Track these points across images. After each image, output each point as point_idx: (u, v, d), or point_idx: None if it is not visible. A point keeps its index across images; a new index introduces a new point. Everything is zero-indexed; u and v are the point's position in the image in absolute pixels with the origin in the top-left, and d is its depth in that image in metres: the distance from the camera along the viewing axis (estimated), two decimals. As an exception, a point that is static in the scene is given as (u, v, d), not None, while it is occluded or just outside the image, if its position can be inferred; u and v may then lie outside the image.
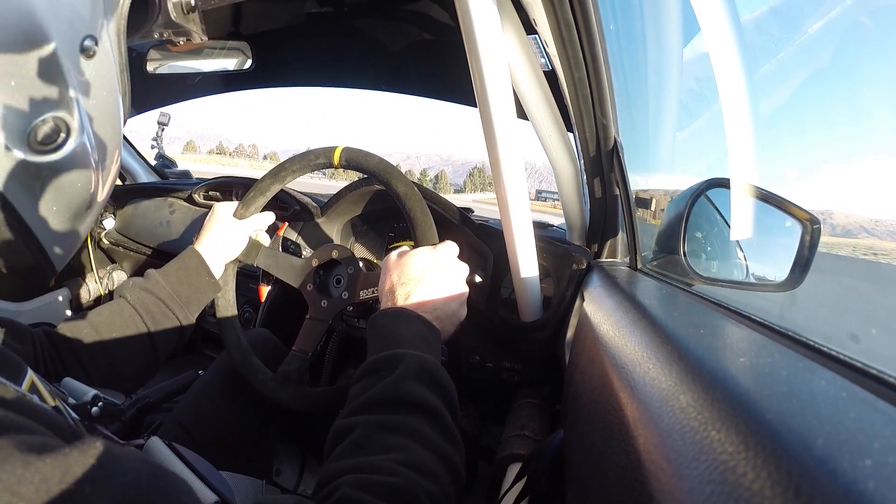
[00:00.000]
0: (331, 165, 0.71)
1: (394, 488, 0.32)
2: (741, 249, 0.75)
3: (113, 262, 1.44)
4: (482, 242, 0.88)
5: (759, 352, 0.26)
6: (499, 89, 0.54)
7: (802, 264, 0.62)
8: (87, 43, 0.31)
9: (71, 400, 0.41)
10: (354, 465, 0.35)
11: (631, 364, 0.29)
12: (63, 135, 0.30)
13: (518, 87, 0.67)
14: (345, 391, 0.50)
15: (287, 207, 1.10)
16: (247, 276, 1.06)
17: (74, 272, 1.37)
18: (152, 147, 1.69)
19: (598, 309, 0.49)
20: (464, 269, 0.61)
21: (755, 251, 0.73)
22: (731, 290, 0.65)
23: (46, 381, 0.36)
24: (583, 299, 0.66)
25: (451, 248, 0.61)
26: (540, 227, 1.04)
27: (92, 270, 1.37)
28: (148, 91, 1.50)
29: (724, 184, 0.67)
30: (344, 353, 1.14)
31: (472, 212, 1.03)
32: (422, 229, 0.63)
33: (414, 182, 0.71)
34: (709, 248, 0.71)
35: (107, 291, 1.38)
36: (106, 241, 1.37)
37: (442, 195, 0.92)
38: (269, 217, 0.78)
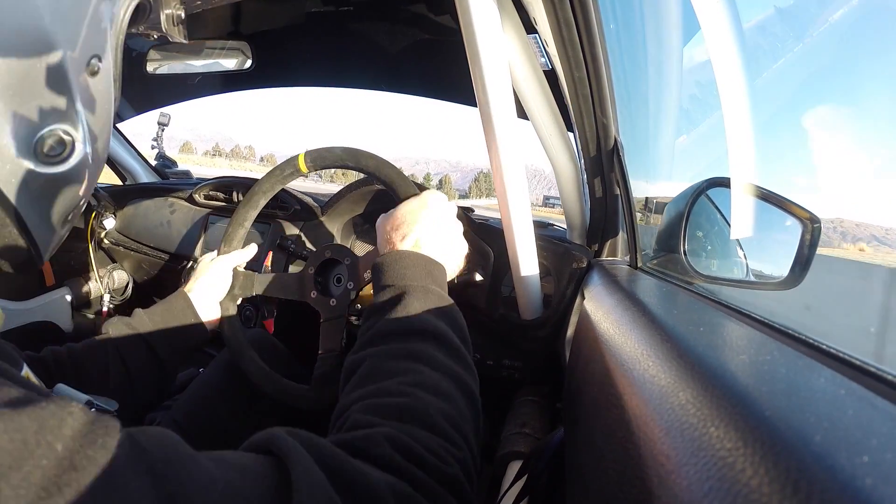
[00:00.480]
0: (299, 173, 0.71)
1: (402, 407, 0.32)
2: (741, 248, 0.75)
3: (113, 261, 1.44)
4: (482, 241, 0.88)
5: (759, 349, 0.26)
6: (499, 88, 0.54)
7: (802, 263, 0.62)
8: (94, 62, 0.33)
9: None
10: (364, 393, 0.35)
11: (631, 361, 0.29)
12: (68, 147, 0.31)
13: (518, 87, 0.67)
14: None
15: (287, 207, 1.10)
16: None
17: (75, 272, 1.38)
18: (152, 147, 1.69)
19: (598, 307, 0.49)
20: (452, 207, 0.60)
21: (755, 250, 0.73)
22: (731, 288, 0.65)
23: (41, 381, 0.37)
24: (583, 297, 0.66)
25: (435, 192, 0.61)
26: (540, 225, 1.04)
27: (92, 270, 1.37)
28: (148, 91, 1.51)
29: (724, 183, 0.67)
30: None
31: (473, 210, 1.03)
32: (402, 187, 0.63)
33: (418, 184, 0.71)
34: (709, 247, 0.71)
35: (107, 291, 1.38)
36: (107, 241, 1.37)
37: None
38: (252, 250, 0.76)
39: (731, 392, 0.20)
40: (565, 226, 0.94)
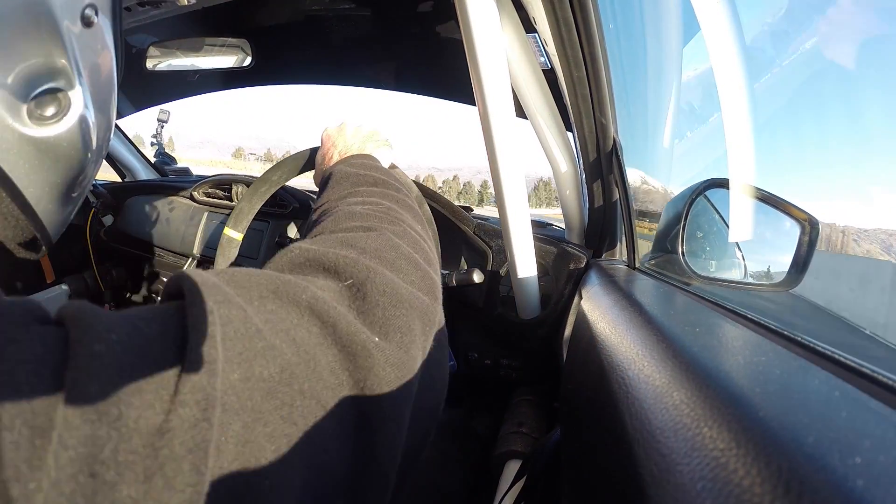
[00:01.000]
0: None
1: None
2: (739, 249, 0.75)
3: (113, 258, 1.44)
4: (481, 240, 0.88)
5: (754, 350, 0.26)
6: (497, 87, 0.54)
7: (800, 264, 0.62)
8: (88, 12, 0.30)
9: None
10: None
11: (626, 361, 0.29)
12: (63, 107, 0.29)
13: (517, 86, 0.67)
14: None
15: (286, 206, 1.10)
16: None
17: (75, 268, 1.37)
18: (151, 144, 1.69)
19: (595, 307, 0.49)
20: (352, 116, 0.58)
21: (753, 251, 0.73)
22: (728, 289, 0.65)
23: None
24: (581, 297, 0.66)
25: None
26: (539, 225, 1.05)
27: (92, 267, 1.37)
28: (147, 88, 1.50)
29: (723, 184, 0.67)
30: None
31: (472, 210, 1.03)
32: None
33: (416, 182, 0.71)
34: (707, 248, 0.71)
35: (107, 287, 1.38)
36: (106, 238, 1.37)
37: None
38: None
39: (725, 393, 0.20)
40: (563, 226, 0.94)
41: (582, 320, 0.52)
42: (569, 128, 0.76)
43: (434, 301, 0.29)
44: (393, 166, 0.56)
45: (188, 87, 1.58)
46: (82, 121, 0.31)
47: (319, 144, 0.57)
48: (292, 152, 0.67)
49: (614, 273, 0.64)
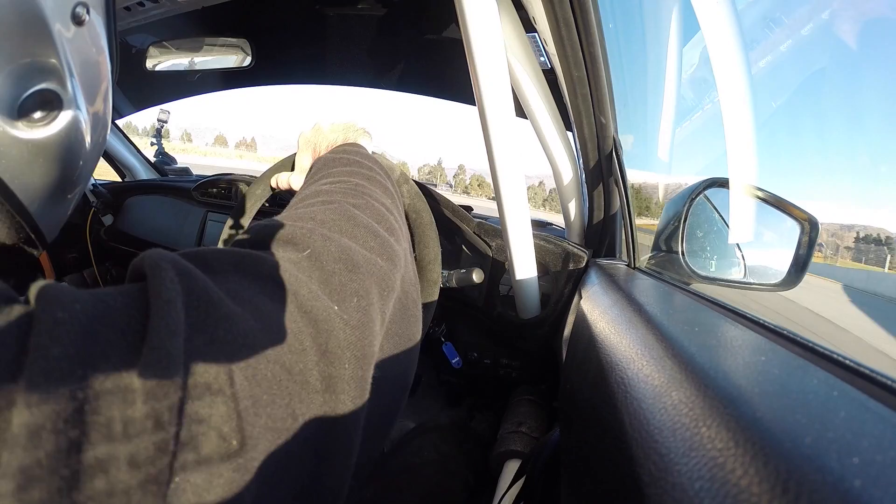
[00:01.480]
0: None
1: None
2: (739, 249, 0.75)
3: (113, 257, 1.44)
4: (481, 240, 0.88)
5: (753, 350, 0.26)
6: (497, 87, 0.54)
7: (800, 264, 0.62)
8: (79, 10, 0.29)
9: None
10: None
11: (625, 361, 0.29)
12: (55, 108, 0.28)
13: (517, 85, 0.67)
14: None
15: (286, 205, 1.10)
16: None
17: (75, 268, 1.38)
18: (151, 144, 1.69)
19: (594, 306, 0.49)
20: (322, 117, 0.57)
21: (753, 251, 0.73)
22: (728, 289, 0.65)
23: None
24: (580, 297, 0.66)
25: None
26: (538, 225, 1.05)
27: (92, 266, 1.37)
28: (148, 88, 1.50)
29: (722, 183, 0.67)
30: None
31: (472, 209, 1.03)
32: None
33: (416, 180, 0.71)
34: (707, 248, 0.71)
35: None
36: (106, 238, 1.37)
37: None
38: None
39: (723, 392, 0.20)
40: (563, 225, 0.94)
41: (581, 320, 0.52)
42: (569, 127, 0.76)
43: (392, 267, 0.30)
44: (374, 153, 0.56)
45: (188, 87, 1.58)
46: (75, 121, 0.30)
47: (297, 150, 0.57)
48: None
49: (614, 273, 0.64)
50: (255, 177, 0.81)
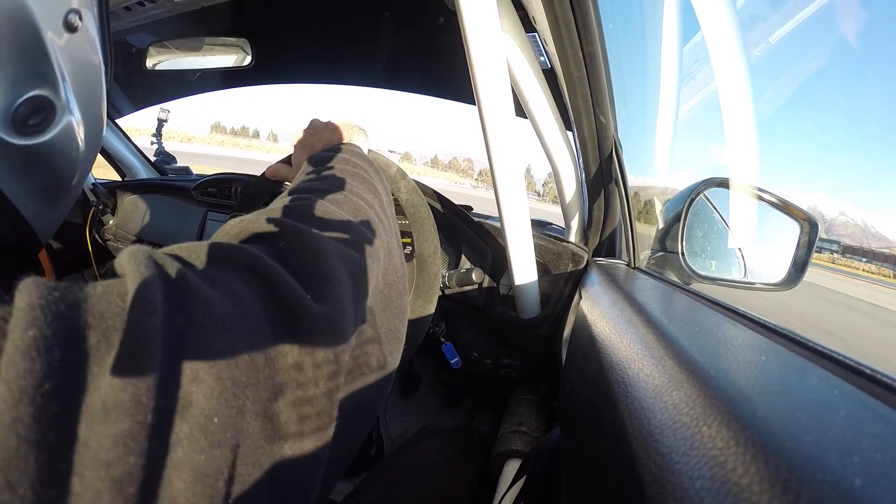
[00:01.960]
0: None
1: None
2: (739, 249, 0.75)
3: (113, 257, 1.44)
4: (480, 240, 0.88)
5: (753, 350, 0.26)
6: (496, 86, 0.54)
7: (800, 264, 0.62)
8: (71, 17, 0.29)
9: None
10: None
11: (625, 361, 0.29)
12: (48, 114, 0.28)
13: (517, 85, 0.67)
14: None
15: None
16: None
17: (75, 268, 1.37)
18: (151, 143, 1.69)
19: (594, 306, 0.49)
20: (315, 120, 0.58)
21: (753, 251, 0.73)
22: (728, 288, 0.65)
23: None
24: (580, 297, 0.66)
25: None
26: (538, 224, 1.05)
27: (92, 266, 1.37)
28: (147, 87, 1.50)
29: (722, 183, 0.67)
30: None
31: (472, 209, 1.03)
32: None
33: (418, 183, 0.71)
34: (707, 247, 0.71)
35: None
36: (106, 237, 1.37)
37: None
38: None
39: (723, 392, 0.20)
40: (563, 225, 0.94)
41: (581, 320, 0.52)
42: (568, 127, 0.76)
43: (367, 258, 0.31)
44: (369, 151, 0.57)
45: (188, 87, 1.58)
46: (68, 127, 0.30)
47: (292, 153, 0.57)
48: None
49: (614, 272, 0.64)
50: (256, 176, 0.81)
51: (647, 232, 0.74)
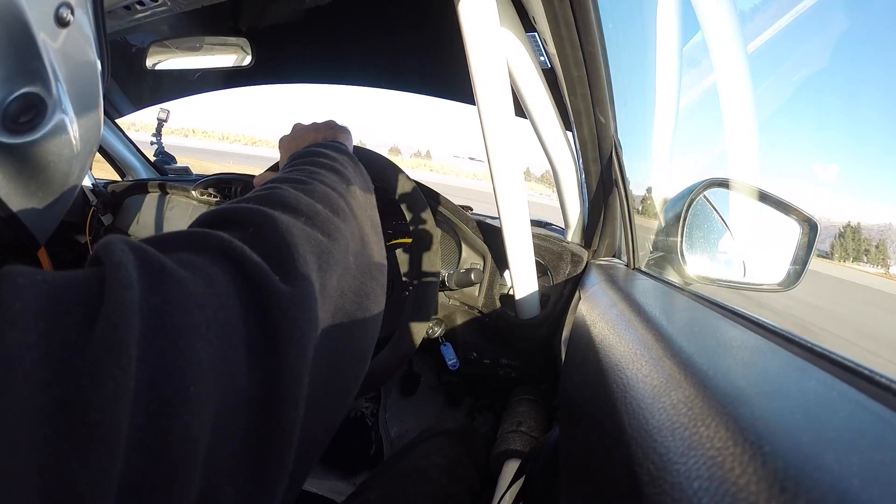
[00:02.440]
0: None
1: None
2: (739, 250, 0.75)
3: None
4: (480, 240, 0.88)
5: (752, 351, 0.26)
6: (496, 86, 0.54)
7: (799, 265, 0.62)
8: (62, 11, 0.29)
9: None
10: None
11: (624, 361, 0.29)
12: (39, 112, 0.28)
13: (516, 85, 0.68)
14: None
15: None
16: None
17: (74, 267, 1.37)
18: (151, 143, 1.69)
19: (593, 307, 0.49)
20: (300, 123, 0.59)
21: (753, 251, 0.73)
22: (727, 289, 0.65)
23: None
24: (580, 297, 0.66)
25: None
26: (538, 225, 1.05)
27: (91, 266, 1.37)
28: (147, 87, 1.50)
29: (722, 183, 0.67)
30: None
31: (471, 209, 1.03)
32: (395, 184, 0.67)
33: (418, 183, 0.71)
34: (706, 248, 0.71)
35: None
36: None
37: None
38: None
39: (722, 393, 0.20)
40: (563, 225, 0.94)
41: (581, 320, 0.52)
42: (568, 127, 0.76)
43: (333, 242, 0.32)
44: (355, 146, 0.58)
45: (188, 86, 1.58)
46: (61, 124, 0.30)
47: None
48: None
49: (613, 273, 0.64)
50: (255, 176, 0.81)
51: (649, 224, 0.74)
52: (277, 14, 1.25)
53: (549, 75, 0.70)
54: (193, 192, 1.25)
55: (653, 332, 0.30)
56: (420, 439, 0.74)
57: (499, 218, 0.67)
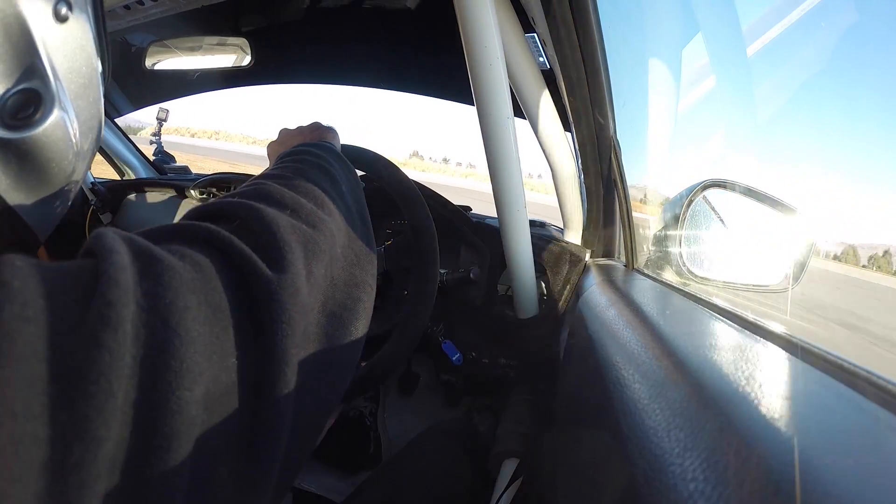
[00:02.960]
0: None
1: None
2: (737, 250, 0.75)
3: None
4: (479, 240, 0.88)
5: (749, 352, 0.26)
6: (495, 87, 0.54)
7: (798, 266, 0.62)
8: (60, 6, 0.29)
9: None
10: None
11: (622, 361, 0.29)
12: (36, 108, 0.28)
13: (516, 86, 0.68)
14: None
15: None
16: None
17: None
18: (151, 143, 1.69)
19: (592, 307, 0.50)
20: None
21: (751, 252, 0.73)
22: (725, 290, 0.65)
23: None
24: (578, 297, 0.66)
25: None
26: (537, 225, 1.05)
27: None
28: (147, 87, 1.50)
29: (721, 184, 0.67)
30: None
31: (471, 209, 1.03)
32: (410, 207, 0.66)
33: (418, 184, 0.71)
34: (705, 249, 0.71)
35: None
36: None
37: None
38: None
39: (718, 393, 0.20)
40: (562, 225, 0.94)
41: (579, 320, 0.52)
42: (567, 128, 0.76)
43: (317, 233, 0.33)
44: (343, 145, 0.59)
45: (188, 86, 1.58)
46: (59, 120, 0.30)
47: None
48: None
49: (612, 273, 0.64)
50: (254, 176, 0.81)
51: (648, 224, 0.74)
52: (277, 14, 1.25)
53: (549, 76, 0.70)
54: (192, 192, 1.25)
55: (650, 333, 0.30)
56: (423, 438, 0.74)
57: (498, 218, 0.67)
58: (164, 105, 1.65)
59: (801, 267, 0.62)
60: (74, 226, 1.35)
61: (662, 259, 0.68)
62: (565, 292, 0.78)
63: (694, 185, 0.67)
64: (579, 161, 0.77)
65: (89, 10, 0.32)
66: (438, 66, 1.33)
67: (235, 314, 0.23)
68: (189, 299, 0.21)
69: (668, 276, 0.64)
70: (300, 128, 0.56)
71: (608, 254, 0.82)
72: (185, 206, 1.28)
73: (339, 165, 0.46)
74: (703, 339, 0.29)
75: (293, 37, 1.33)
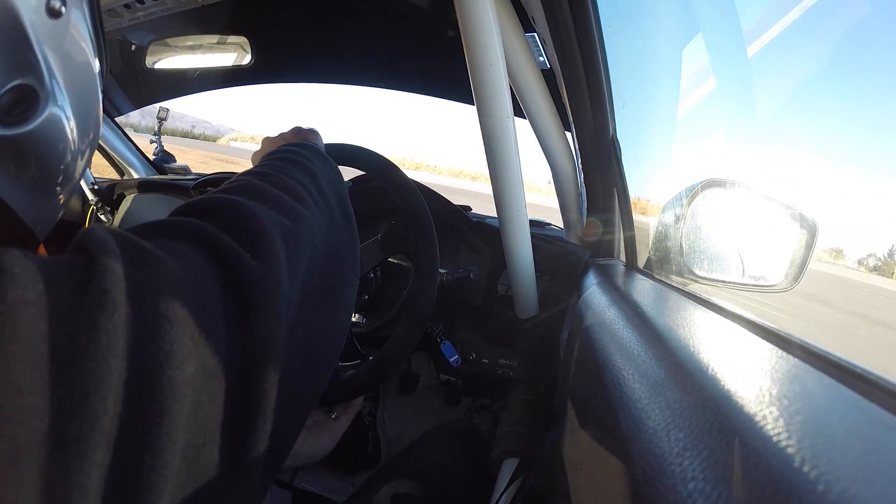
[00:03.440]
0: None
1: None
2: (738, 250, 0.75)
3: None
4: (479, 239, 0.88)
5: (749, 352, 0.26)
6: (495, 86, 0.54)
7: (798, 265, 0.62)
8: (54, 2, 0.29)
9: None
10: None
11: (622, 361, 0.29)
12: (31, 104, 0.28)
13: (516, 85, 0.67)
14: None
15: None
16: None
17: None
18: (151, 142, 1.69)
19: (592, 307, 0.49)
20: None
21: (751, 252, 0.73)
22: (726, 290, 0.65)
23: None
24: (578, 297, 0.66)
25: None
26: (537, 225, 1.05)
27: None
28: (147, 86, 1.50)
29: (722, 183, 0.67)
30: None
31: (471, 209, 1.03)
32: (404, 196, 0.67)
33: (418, 184, 0.71)
34: (705, 248, 0.71)
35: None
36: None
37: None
38: None
39: (717, 393, 0.20)
40: (562, 225, 0.94)
41: (579, 320, 0.52)
42: (567, 127, 0.75)
43: (298, 226, 0.34)
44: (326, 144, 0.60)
45: (188, 85, 1.57)
46: (54, 116, 0.30)
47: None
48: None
49: (612, 273, 0.64)
50: None
51: (648, 224, 0.74)
52: (277, 13, 1.25)
53: (549, 76, 0.70)
54: (192, 192, 1.25)
55: (650, 333, 0.30)
56: (424, 439, 0.74)
57: (498, 218, 0.67)
58: (164, 104, 1.65)
59: (801, 266, 0.62)
60: (74, 225, 1.35)
61: (662, 259, 0.68)
62: (565, 292, 0.78)
63: (694, 184, 0.67)
64: (579, 161, 0.77)
65: (84, 6, 0.32)
66: (438, 66, 1.33)
67: (222, 303, 0.24)
68: (177, 288, 0.22)
69: (669, 275, 0.64)
70: (282, 134, 0.58)
71: (608, 253, 0.82)
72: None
73: (319, 162, 0.47)
74: (702, 339, 0.29)
75: (293, 36, 1.33)
